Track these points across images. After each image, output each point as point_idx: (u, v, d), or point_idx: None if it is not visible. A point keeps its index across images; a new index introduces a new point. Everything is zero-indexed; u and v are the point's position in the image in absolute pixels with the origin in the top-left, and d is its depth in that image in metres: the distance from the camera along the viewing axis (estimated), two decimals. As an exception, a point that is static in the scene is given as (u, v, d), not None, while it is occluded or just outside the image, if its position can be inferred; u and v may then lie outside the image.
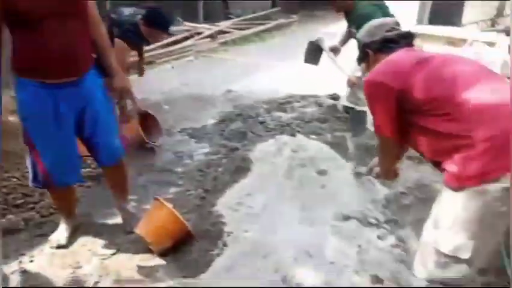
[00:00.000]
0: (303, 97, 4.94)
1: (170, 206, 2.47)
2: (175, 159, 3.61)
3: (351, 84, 3.70)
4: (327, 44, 3.91)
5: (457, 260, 1.52)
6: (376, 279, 2.07)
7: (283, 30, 9.73)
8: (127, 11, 3.61)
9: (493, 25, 6.89)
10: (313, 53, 4.03)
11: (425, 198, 2.58)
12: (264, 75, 6.12)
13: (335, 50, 3.93)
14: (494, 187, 1.42)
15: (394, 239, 2.35)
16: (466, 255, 1.50)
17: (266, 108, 4.66)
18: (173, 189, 3.16)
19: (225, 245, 2.38)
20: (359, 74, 3.63)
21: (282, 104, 4.76)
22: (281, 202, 2.57)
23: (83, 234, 2.59)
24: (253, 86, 5.59)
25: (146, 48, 5.02)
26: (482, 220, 1.47)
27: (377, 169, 2.20)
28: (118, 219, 2.78)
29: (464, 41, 4.71)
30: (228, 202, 2.67)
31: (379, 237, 2.33)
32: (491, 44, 4.60)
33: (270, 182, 2.71)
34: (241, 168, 2.98)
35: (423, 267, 1.62)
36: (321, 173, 2.85)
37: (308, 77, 5.36)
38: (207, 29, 8.29)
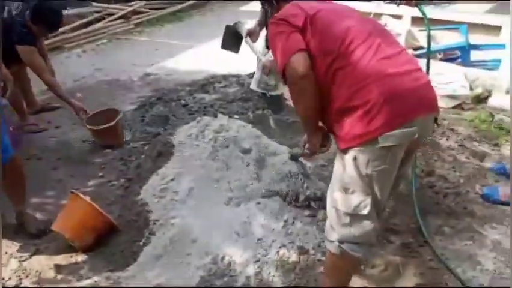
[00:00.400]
0: (225, 77, 4.90)
1: (87, 199, 2.36)
2: (94, 150, 3.43)
3: (268, 71, 3.61)
4: (245, 28, 3.75)
5: (359, 217, 1.63)
6: (302, 250, 2.15)
7: (201, 8, 9.52)
8: (14, 7, 3.33)
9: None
10: (232, 38, 3.73)
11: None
12: (184, 56, 5.97)
13: (252, 34, 3.76)
14: (373, 146, 1.53)
15: (317, 211, 2.44)
16: (365, 211, 1.62)
17: (188, 91, 4.57)
18: (93, 181, 3.02)
19: (151, 233, 2.33)
20: (272, 58, 3.58)
21: (204, 86, 4.69)
22: (207, 184, 2.56)
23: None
24: (172, 68, 5.44)
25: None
26: (370, 176, 1.58)
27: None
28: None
29: (371, 14, 4.92)
30: (152, 189, 2.60)
31: (303, 209, 2.41)
32: (399, 17, 4.87)
33: (194, 165, 2.67)
34: (164, 154, 2.90)
35: (333, 230, 1.71)
36: (245, 151, 2.87)
37: (228, 56, 5.31)
38: (119, 9, 7.86)
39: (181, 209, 2.42)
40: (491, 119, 3.72)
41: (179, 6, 9.02)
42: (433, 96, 1.64)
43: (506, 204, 2.62)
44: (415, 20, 4.63)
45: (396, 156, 1.59)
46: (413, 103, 1.54)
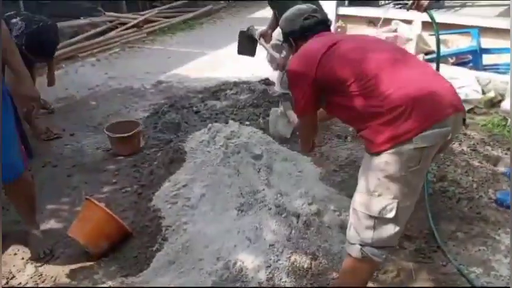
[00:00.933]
0: (236, 84, 4.94)
1: (102, 205, 2.40)
2: (107, 157, 3.49)
3: (282, 68, 3.71)
4: (258, 31, 3.86)
5: (384, 220, 1.63)
6: (314, 256, 2.15)
7: (212, 16, 9.61)
8: (16, 27, 3.37)
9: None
10: (247, 43, 3.96)
11: (356, 174, 2.70)
12: (195, 64, 6.04)
13: (264, 35, 3.89)
14: (406, 148, 1.54)
15: (330, 216, 2.45)
16: (391, 214, 1.61)
17: (199, 98, 4.61)
18: (107, 188, 3.07)
19: (164, 239, 2.35)
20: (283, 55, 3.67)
21: (216, 92, 4.73)
22: (218, 190, 2.57)
23: (14, 243, 2.47)
24: (184, 76, 5.50)
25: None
26: (401, 179, 1.59)
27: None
28: (50, 224, 2.67)
29: (384, 20, 4.92)
30: (164, 196, 2.63)
31: (316, 215, 2.41)
32: (410, 22, 4.86)
33: (205, 171, 2.70)
34: (176, 160, 2.94)
35: (355, 233, 1.71)
36: (256, 158, 2.89)
37: (240, 63, 5.37)
38: (131, 18, 7.98)
39: (193, 215, 2.45)
40: (504, 123, 3.69)
41: (190, 15, 9.12)
42: (459, 99, 1.68)
43: (521, 209, 2.60)
44: (425, 25, 4.62)
45: (429, 156, 1.62)
46: (442, 103, 1.57)
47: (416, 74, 1.67)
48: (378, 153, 1.61)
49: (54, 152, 3.59)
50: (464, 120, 1.72)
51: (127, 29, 7.63)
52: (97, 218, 2.37)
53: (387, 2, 6.60)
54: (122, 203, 2.86)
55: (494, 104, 4.05)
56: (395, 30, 4.86)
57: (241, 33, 3.92)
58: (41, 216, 2.70)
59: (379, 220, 1.64)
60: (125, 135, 3.42)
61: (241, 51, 4.03)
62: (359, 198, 1.70)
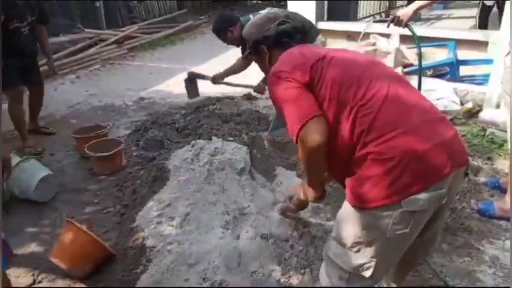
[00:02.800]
0: (219, 99, 4.94)
1: (84, 227, 2.35)
2: (88, 177, 3.42)
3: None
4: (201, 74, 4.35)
5: (359, 276, 1.48)
6: (301, 274, 2.13)
7: (193, 32, 9.64)
8: None
9: (387, 16, 7.44)
10: (191, 87, 4.48)
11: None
12: (177, 79, 6.01)
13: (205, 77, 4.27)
14: (395, 210, 1.35)
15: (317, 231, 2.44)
16: (368, 273, 1.45)
17: (182, 114, 4.59)
18: (89, 209, 3.01)
19: (148, 260, 2.30)
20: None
21: (198, 108, 4.72)
22: (203, 209, 2.54)
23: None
24: (166, 92, 5.47)
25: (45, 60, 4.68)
26: (384, 241, 1.42)
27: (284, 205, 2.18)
28: (32, 248, 2.60)
29: (362, 33, 5.01)
30: (148, 216, 2.58)
31: (303, 237, 2.40)
32: (387, 36, 4.95)
33: (190, 189, 2.67)
34: (160, 178, 2.90)
35: (328, 278, 1.58)
36: (241, 174, 2.87)
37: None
38: (111, 35, 7.94)
39: (177, 234, 2.40)
40: (483, 133, 3.76)
41: (171, 30, 9.14)
42: (463, 149, 1.48)
43: (502, 218, 2.64)
44: (403, 38, 4.71)
45: (421, 221, 1.42)
46: (442, 159, 1.36)
47: (417, 112, 1.42)
48: (364, 209, 1.41)
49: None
50: (467, 173, 1.52)
51: (107, 45, 7.59)
52: (79, 241, 2.31)
53: (366, 19, 6.75)
54: (105, 224, 2.80)
55: (472, 114, 4.14)
56: (374, 44, 4.94)
57: (185, 81, 4.45)
58: (21, 239, 2.63)
59: (354, 275, 1.48)
60: (106, 154, 3.37)
61: (189, 96, 4.57)
62: (334, 248, 1.52)
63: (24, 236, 2.69)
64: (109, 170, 3.42)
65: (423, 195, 1.33)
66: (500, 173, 3.17)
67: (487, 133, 3.72)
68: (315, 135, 1.40)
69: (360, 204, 1.41)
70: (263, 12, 1.89)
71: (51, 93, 5.42)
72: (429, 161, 1.34)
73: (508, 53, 2.50)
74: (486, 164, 3.32)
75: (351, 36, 5.43)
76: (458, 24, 7.22)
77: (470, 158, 1.56)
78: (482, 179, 3.10)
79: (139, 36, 8.48)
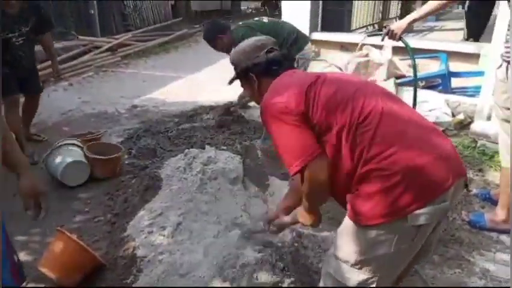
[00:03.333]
0: (212, 108, 4.94)
1: (74, 236, 2.32)
2: (79, 184, 3.39)
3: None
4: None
5: None
6: (295, 283, 2.12)
7: (188, 40, 9.67)
8: None
9: (380, 28, 7.52)
10: None
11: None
12: (171, 87, 6.02)
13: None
14: (400, 225, 1.36)
15: (312, 241, 2.44)
16: (372, 285, 1.46)
17: (175, 122, 4.59)
18: (79, 217, 2.98)
19: (139, 270, 2.27)
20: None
21: (192, 117, 4.72)
22: (195, 218, 2.53)
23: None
24: (159, 100, 5.47)
25: (38, 66, 4.68)
26: (387, 256, 1.41)
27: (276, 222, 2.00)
28: (20, 257, 2.53)
29: (355, 45, 5.06)
30: (139, 225, 2.56)
31: (296, 242, 2.40)
32: (380, 47, 5.00)
33: (182, 198, 2.66)
34: (152, 187, 2.88)
35: None
36: (234, 183, 2.87)
37: (215, 87, 5.39)
38: (105, 42, 7.94)
39: (169, 244, 2.39)
40: (474, 145, 3.80)
41: (165, 38, 9.16)
42: (460, 161, 1.49)
43: (493, 230, 2.65)
44: (396, 50, 4.76)
45: (425, 234, 1.43)
46: (444, 171, 1.37)
47: (414, 128, 1.44)
48: (367, 226, 1.40)
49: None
50: (466, 185, 1.52)
51: (101, 52, 7.58)
52: (69, 251, 2.28)
53: (359, 30, 6.82)
54: (95, 233, 2.77)
55: (464, 126, 4.18)
56: (367, 55, 4.99)
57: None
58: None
59: None
60: (107, 157, 3.35)
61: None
62: (335, 264, 1.51)
63: (14, 244, 2.64)
64: (104, 174, 3.41)
65: (428, 209, 1.33)
66: (491, 184, 3.19)
67: (478, 145, 3.76)
68: (320, 173, 1.42)
69: (364, 221, 1.39)
70: (252, 38, 1.86)
71: (43, 99, 5.37)
72: (432, 174, 1.35)
73: (499, 66, 2.53)
74: (477, 175, 3.34)
75: (344, 46, 5.48)
76: (451, 36, 7.31)
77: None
78: (473, 190, 3.12)
79: (133, 44, 8.49)
